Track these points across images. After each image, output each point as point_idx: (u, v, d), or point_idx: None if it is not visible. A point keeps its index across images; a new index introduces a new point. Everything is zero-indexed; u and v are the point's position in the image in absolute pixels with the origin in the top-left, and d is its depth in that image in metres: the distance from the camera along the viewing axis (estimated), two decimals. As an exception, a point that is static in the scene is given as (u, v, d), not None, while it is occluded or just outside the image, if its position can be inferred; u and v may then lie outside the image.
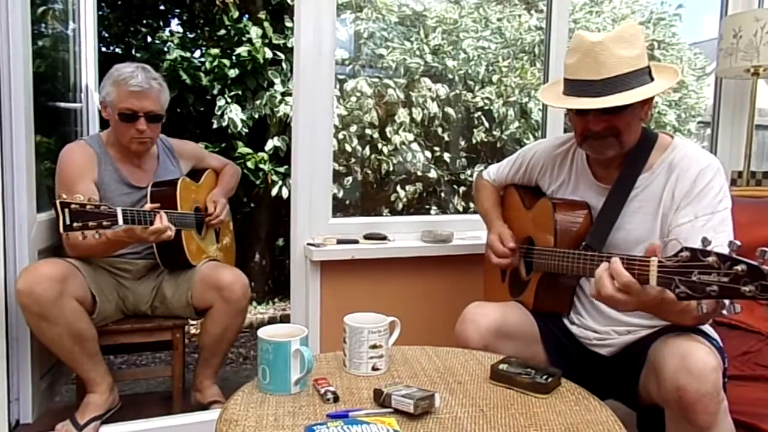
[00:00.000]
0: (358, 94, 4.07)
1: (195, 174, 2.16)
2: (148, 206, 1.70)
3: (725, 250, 0.91)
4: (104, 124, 2.09)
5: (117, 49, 4.61)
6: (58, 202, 1.46)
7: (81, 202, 1.48)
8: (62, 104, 2.41)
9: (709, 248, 0.93)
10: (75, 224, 1.47)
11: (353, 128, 4.09)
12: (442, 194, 4.42)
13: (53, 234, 2.00)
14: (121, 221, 1.54)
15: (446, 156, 4.37)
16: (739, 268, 0.89)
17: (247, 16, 4.51)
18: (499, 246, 1.58)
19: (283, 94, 4.21)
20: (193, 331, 3.37)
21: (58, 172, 1.85)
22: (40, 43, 2.22)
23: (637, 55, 1.28)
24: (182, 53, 4.29)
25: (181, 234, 1.90)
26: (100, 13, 4.53)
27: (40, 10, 2.23)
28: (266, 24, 4.30)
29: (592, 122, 1.32)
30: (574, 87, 1.31)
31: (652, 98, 1.33)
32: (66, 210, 1.45)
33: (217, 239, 2.22)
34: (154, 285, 1.99)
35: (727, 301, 0.92)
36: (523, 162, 1.67)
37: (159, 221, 1.65)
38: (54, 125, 2.32)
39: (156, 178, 1.99)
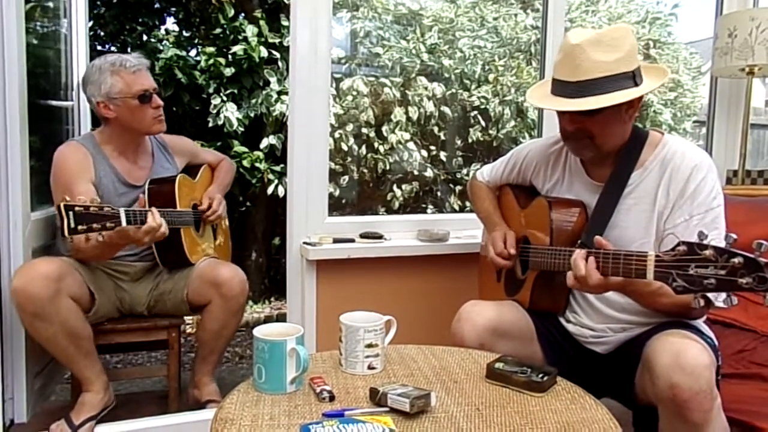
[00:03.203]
0: (355, 93, 4.07)
1: (190, 170, 2.15)
2: (138, 203, 1.68)
3: (722, 244, 0.91)
4: (96, 122, 2.07)
5: (112, 48, 4.60)
6: (62, 205, 1.42)
7: (85, 204, 1.45)
8: (54, 102, 2.39)
9: (705, 242, 0.93)
10: (80, 227, 1.43)
11: (349, 127, 4.08)
12: (439, 193, 4.42)
13: (47, 233, 1.99)
14: (124, 222, 1.51)
15: (442, 155, 4.37)
16: (736, 260, 0.89)
17: (242, 14, 4.51)
18: (500, 244, 1.56)
19: (279, 93, 4.20)
20: (189, 330, 3.36)
21: (54, 175, 1.81)
22: (32, 40, 2.20)
23: (618, 59, 1.26)
24: (178, 52, 4.28)
25: (180, 232, 1.89)
26: (96, 11, 4.51)
27: (29, 6, 2.21)
28: (262, 22, 4.30)
29: (567, 123, 1.35)
30: (555, 87, 1.34)
31: (635, 101, 1.32)
32: (71, 213, 1.42)
33: (214, 236, 2.21)
34: (152, 287, 1.98)
35: (724, 295, 0.93)
36: (516, 162, 1.67)
37: (152, 218, 1.60)
38: (45, 123, 2.30)
39: (153, 175, 1.97)
